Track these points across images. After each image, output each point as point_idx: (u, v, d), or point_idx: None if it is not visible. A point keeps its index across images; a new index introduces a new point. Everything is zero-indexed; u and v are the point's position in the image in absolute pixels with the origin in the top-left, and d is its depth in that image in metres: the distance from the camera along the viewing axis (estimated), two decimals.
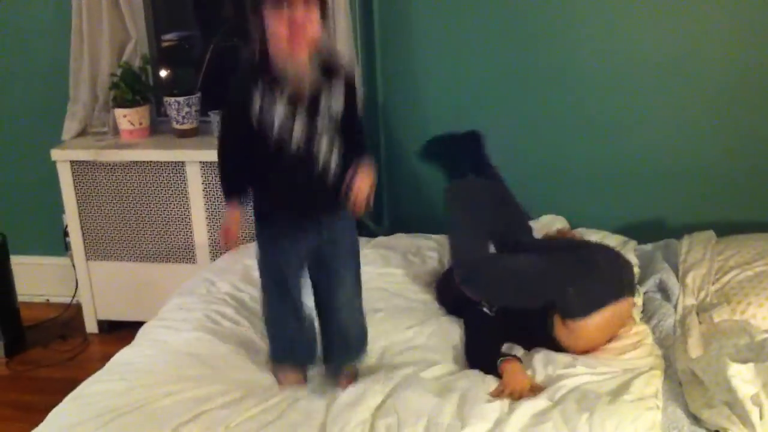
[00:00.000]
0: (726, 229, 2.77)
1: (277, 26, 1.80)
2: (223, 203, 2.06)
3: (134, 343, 2.33)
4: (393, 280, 2.63)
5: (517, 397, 1.93)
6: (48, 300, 3.66)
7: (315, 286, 2.09)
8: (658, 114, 2.98)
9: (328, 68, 1.91)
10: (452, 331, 2.28)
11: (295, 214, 1.97)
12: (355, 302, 2.10)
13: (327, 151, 1.91)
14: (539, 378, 2.04)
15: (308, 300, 2.11)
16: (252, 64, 1.90)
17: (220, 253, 3.02)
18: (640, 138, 3.03)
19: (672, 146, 3.02)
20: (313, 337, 2.12)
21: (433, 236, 2.95)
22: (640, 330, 2.23)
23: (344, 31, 2.90)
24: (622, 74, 2.97)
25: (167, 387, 2.01)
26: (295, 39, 1.80)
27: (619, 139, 3.05)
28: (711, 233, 2.70)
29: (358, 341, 2.13)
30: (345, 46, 2.90)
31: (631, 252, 2.64)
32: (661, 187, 3.07)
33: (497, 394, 1.95)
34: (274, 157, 1.88)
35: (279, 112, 1.85)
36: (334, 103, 1.91)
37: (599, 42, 2.96)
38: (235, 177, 1.98)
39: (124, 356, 2.23)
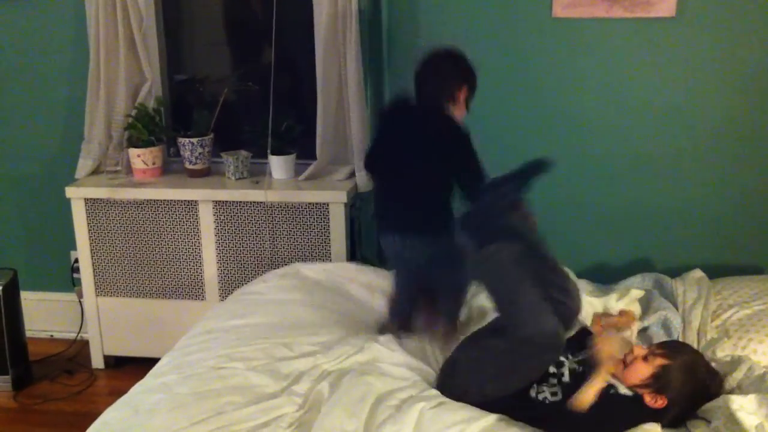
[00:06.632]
0: (713, 270, 2.88)
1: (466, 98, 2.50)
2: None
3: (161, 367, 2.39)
4: None
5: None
6: (52, 335, 3.70)
7: None
8: (654, 159, 3.12)
9: None
10: None
11: None
12: None
13: None
14: None
15: None
16: None
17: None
18: (634, 182, 3.16)
19: (664, 190, 3.16)
20: None
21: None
22: None
23: (354, 81, 3.04)
24: (620, 120, 3.12)
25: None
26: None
27: (613, 182, 3.18)
28: (700, 272, 2.81)
29: None
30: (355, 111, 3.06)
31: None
32: (653, 228, 3.20)
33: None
34: None
35: None
36: None
37: (599, 90, 3.11)
38: None
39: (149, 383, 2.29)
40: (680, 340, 2.46)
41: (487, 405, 2.08)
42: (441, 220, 2.45)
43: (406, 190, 2.48)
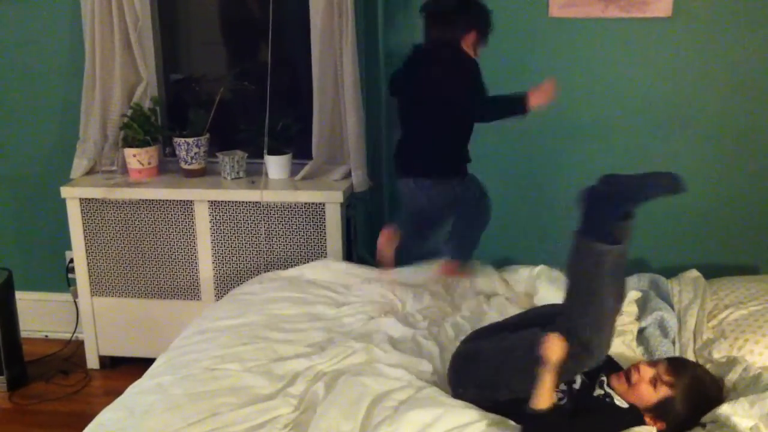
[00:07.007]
0: (709, 270, 2.87)
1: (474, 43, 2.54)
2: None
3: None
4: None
5: None
6: (47, 336, 3.68)
7: None
8: (649, 158, 3.12)
9: None
10: None
11: None
12: None
13: None
14: None
15: None
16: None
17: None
18: None
19: None
20: None
21: None
22: None
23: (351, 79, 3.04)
24: (615, 120, 3.12)
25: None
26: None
27: None
28: (696, 272, 2.81)
29: None
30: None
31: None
32: (649, 227, 3.18)
33: None
34: None
35: None
36: None
37: (594, 89, 3.11)
38: None
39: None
40: (675, 340, 2.46)
41: (492, 405, 2.06)
42: (454, 164, 2.60)
43: (421, 135, 2.58)
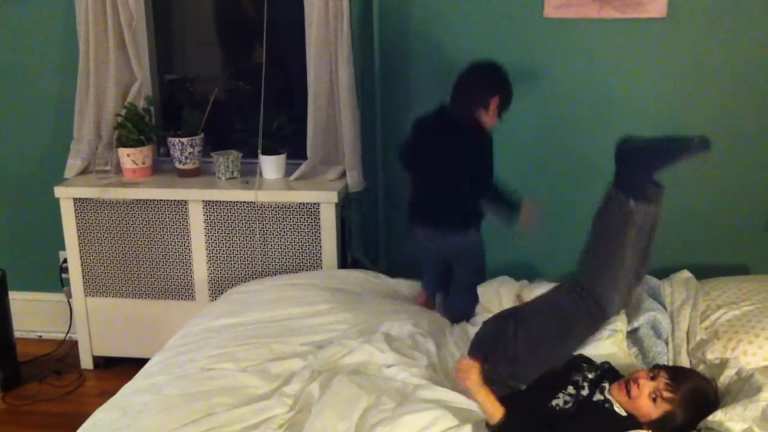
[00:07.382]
0: (700, 271, 2.86)
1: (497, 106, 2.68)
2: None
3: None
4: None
5: None
6: (41, 336, 3.67)
7: None
8: None
9: None
10: None
11: None
12: None
13: None
14: None
15: None
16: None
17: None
18: None
19: None
20: None
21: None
22: None
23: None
24: (610, 121, 3.12)
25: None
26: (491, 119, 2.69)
27: (601, 182, 3.15)
28: (688, 273, 2.81)
29: None
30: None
31: None
32: None
33: None
34: None
35: None
36: None
37: (589, 90, 3.12)
38: None
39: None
40: (669, 341, 2.45)
41: (515, 388, 2.07)
42: (464, 219, 2.77)
43: (434, 193, 2.77)
